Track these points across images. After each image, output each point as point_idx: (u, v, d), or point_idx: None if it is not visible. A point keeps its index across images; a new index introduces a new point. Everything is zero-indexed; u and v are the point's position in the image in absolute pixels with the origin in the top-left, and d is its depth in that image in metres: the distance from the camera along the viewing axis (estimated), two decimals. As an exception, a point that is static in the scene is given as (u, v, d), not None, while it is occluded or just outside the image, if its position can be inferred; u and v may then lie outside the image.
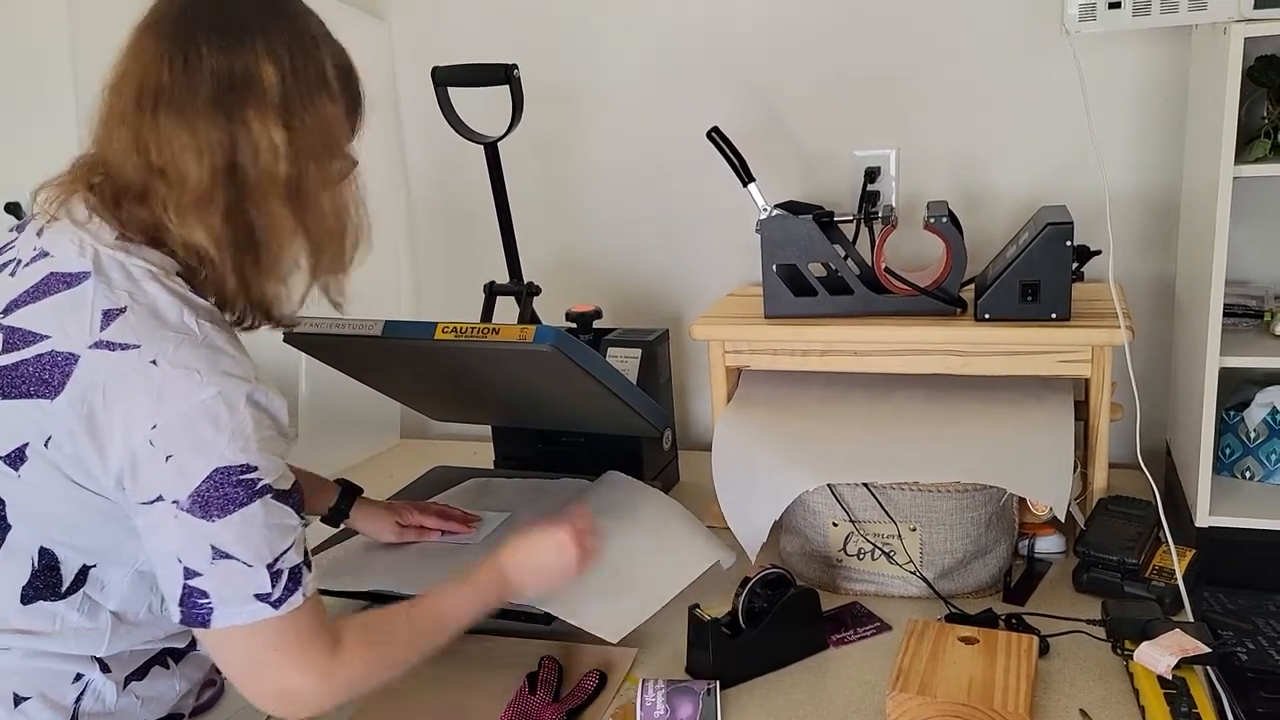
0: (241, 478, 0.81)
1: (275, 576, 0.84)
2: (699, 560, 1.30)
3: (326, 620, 0.90)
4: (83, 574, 0.88)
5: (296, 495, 0.86)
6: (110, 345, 0.81)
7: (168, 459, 0.80)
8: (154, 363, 0.81)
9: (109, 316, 0.82)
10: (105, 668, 0.90)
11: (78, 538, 0.87)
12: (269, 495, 0.83)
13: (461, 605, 1.02)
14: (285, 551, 0.85)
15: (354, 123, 0.95)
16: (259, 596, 0.83)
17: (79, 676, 0.89)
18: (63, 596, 0.88)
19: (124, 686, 0.91)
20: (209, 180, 0.83)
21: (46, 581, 0.87)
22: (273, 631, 0.85)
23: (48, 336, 0.82)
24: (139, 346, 0.81)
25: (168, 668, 0.95)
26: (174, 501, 0.81)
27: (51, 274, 0.85)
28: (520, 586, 1.07)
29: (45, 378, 0.82)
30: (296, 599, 0.85)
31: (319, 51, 0.89)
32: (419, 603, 1.00)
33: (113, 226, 0.86)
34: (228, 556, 0.82)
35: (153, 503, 0.81)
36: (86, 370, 0.81)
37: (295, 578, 0.85)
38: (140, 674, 0.93)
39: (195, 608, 0.83)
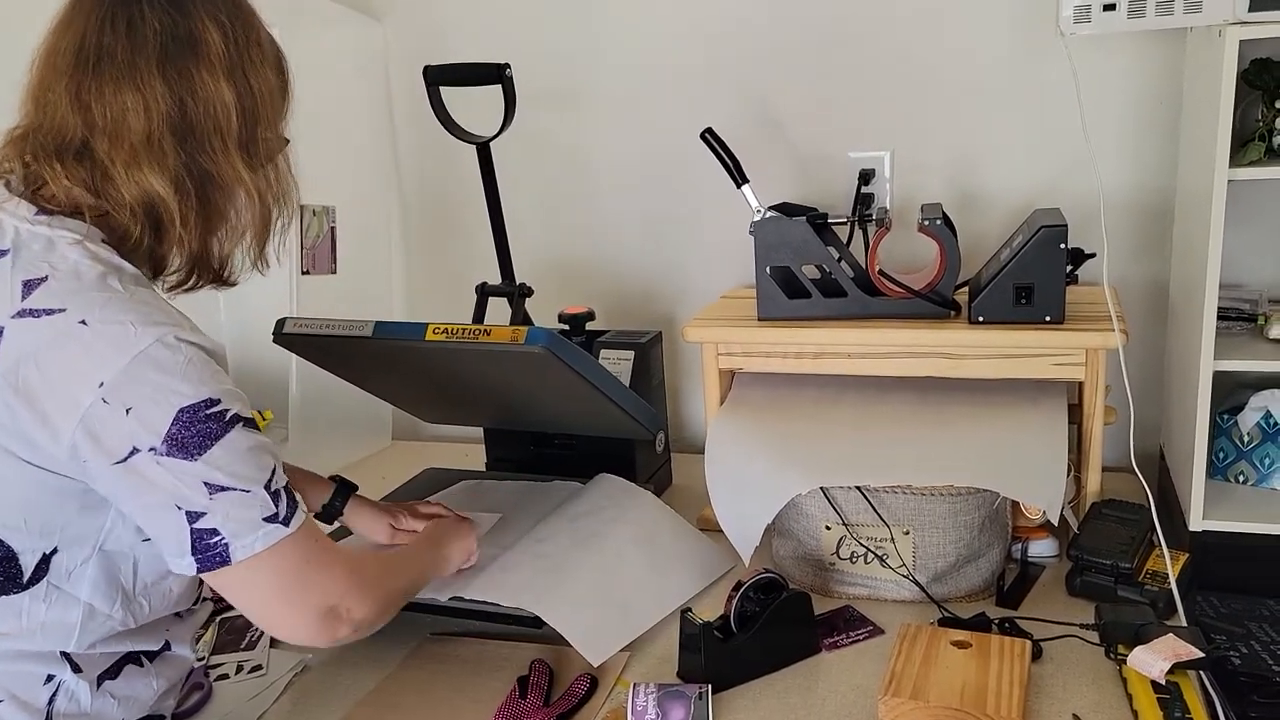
0: (209, 412, 0.82)
1: (275, 496, 0.85)
2: (689, 583, 1.30)
3: (324, 534, 0.93)
4: (44, 563, 0.86)
5: (255, 423, 0.88)
6: (34, 312, 0.81)
7: (128, 412, 0.80)
8: (83, 323, 0.80)
9: (30, 286, 0.82)
10: (76, 667, 0.89)
11: (32, 519, 0.85)
12: (240, 424, 0.84)
13: (423, 558, 1.14)
14: (274, 472, 0.86)
15: (286, 101, 0.97)
16: (268, 519, 0.84)
17: (50, 677, 0.88)
18: (25, 588, 0.86)
19: (98, 686, 0.90)
20: (159, 133, 0.85)
21: (6, 573, 0.86)
22: (296, 548, 0.87)
23: None
24: (64, 310, 0.81)
25: (142, 666, 0.94)
26: (150, 449, 0.80)
27: None
28: (445, 557, 1.19)
29: None
30: (300, 514, 0.88)
31: (257, 22, 0.91)
32: (396, 550, 1.15)
33: (34, 203, 0.86)
34: (223, 489, 0.82)
35: (128, 458, 0.81)
36: (13, 342, 0.80)
37: (291, 495, 0.87)
38: (113, 673, 0.91)
39: (210, 550, 0.83)
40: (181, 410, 0.81)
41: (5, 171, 0.89)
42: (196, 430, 0.81)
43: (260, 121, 0.90)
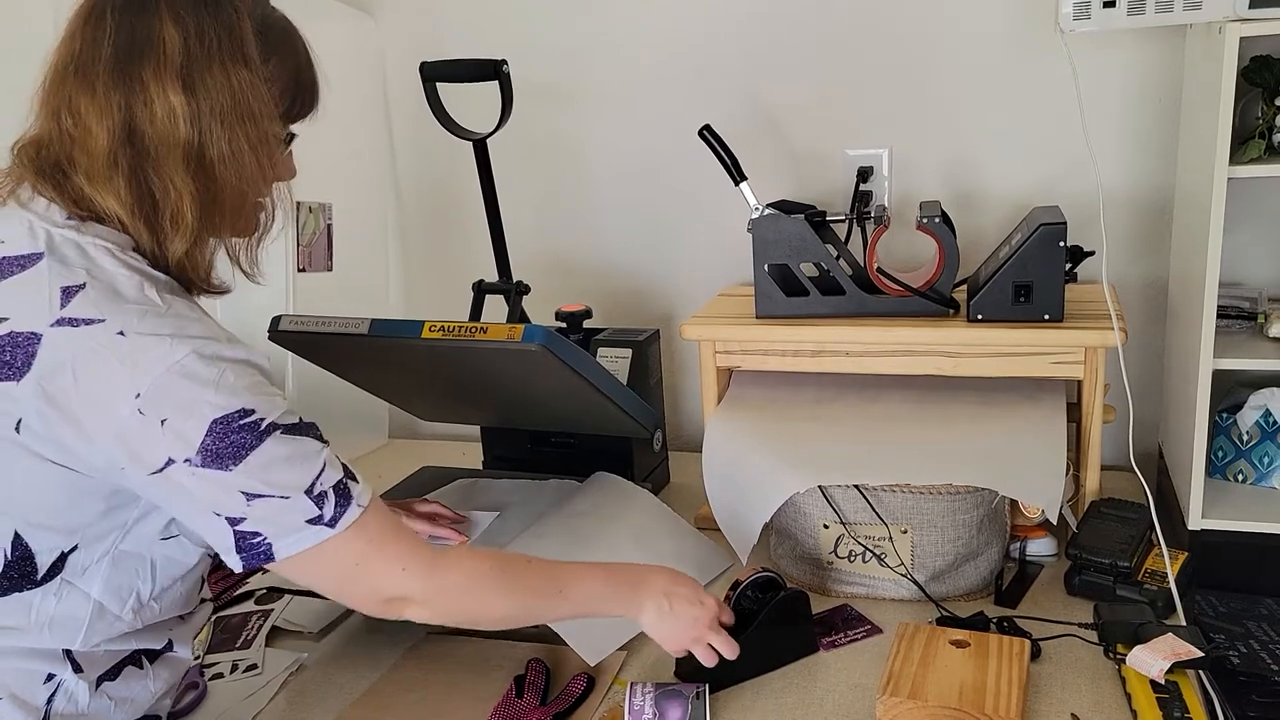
0: (242, 422, 0.81)
1: (319, 499, 0.85)
2: None
3: (408, 529, 0.93)
4: (61, 560, 0.86)
5: (307, 426, 0.86)
6: (73, 321, 0.81)
7: (163, 423, 0.80)
8: (121, 334, 0.80)
9: (68, 293, 0.81)
10: (77, 667, 0.88)
11: (55, 519, 0.85)
12: (278, 431, 0.83)
13: (586, 580, 1.01)
14: (319, 475, 0.85)
15: (291, 90, 0.93)
16: (311, 521, 0.84)
17: (50, 676, 0.88)
18: (39, 584, 0.86)
19: (96, 687, 0.90)
20: (110, 144, 0.83)
21: (22, 571, 0.86)
22: (345, 547, 0.86)
23: (5, 319, 0.82)
24: (103, 320, 0.81)
25: (141, 668, 0.94)
26: (186, 460, 0.81)
27: (3, 259, 0.84)
28: (646, 604, 1.03)
29: (7, 360, 0.81)
30: (353, 512, 0.86)
31: (235, 17, 0.87)
32: (543, 558, 1.01)
33: (63, 206, 0.86)
34: (261, 496, 0.82)
35: (164, 469, 0.81)
36: (51, 349, 0.80)
37: (342, 494, 0.86)
38: (113, 674, 0.91)
39: (253, 549, 0.84)
40: (215, 421, 0.81)
41: (17, 179, 0.88)
42: (230, 441, 0.81)
43: (223, 120, 0.85)
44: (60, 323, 0.81)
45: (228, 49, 0.86)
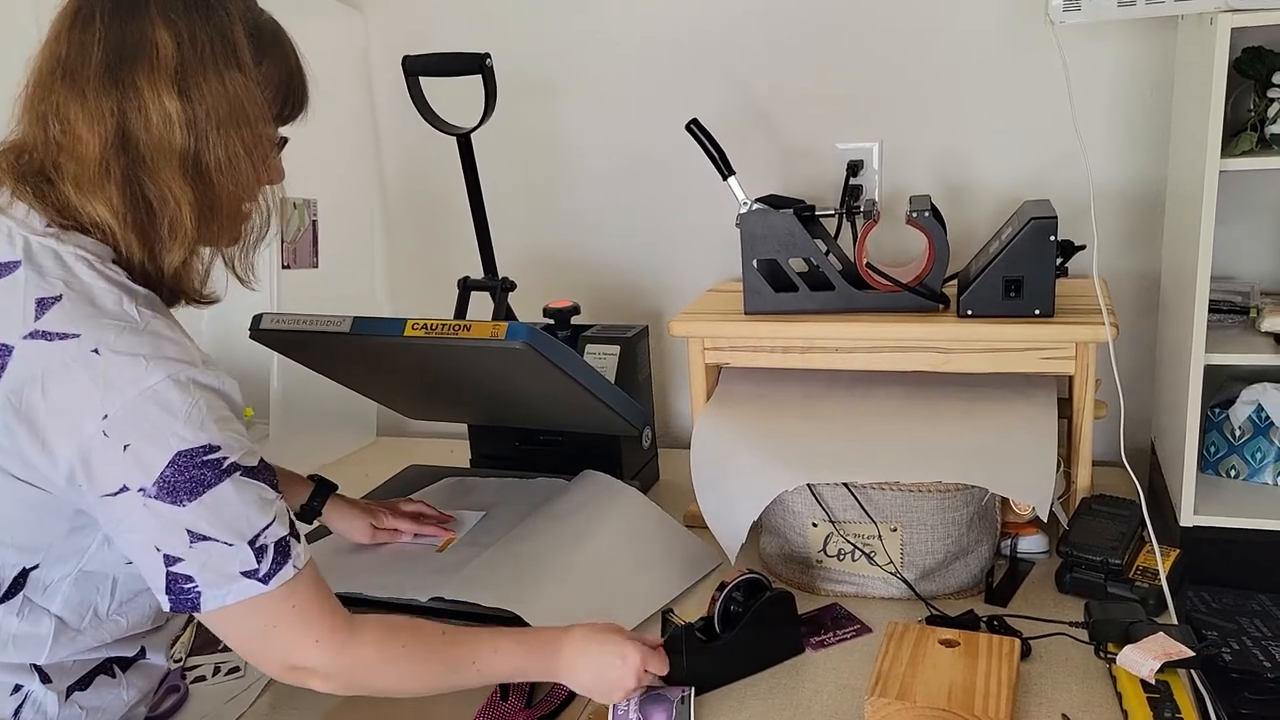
0: (206, 459, 0.80)
1: (259, 552, 0.82)
2: (674, 582, 1.29)
3: (329, 591, 0.89)
4: (22, 576, 0.85)
5: (267, 471, 0.85)
6: (47, 335, 0.79)
7: (125, 448, 0.78)
8: (95, 351, 0.79)
9: (43, 305, 0.80)
10: (46, 678, 0.87)
11: (19, 536, 0.84)
12: (238, 473, 0.82)
13: (499, 652, 0.97)
14: (266, 527, 0.83)
15: (283, 93, 0.91)
16: (246, 574, 0.82)
17: (18, 688, 0.86)
18: (0, 601, 0.85)
19: (66, 697, 0.88)
20: (102, 151, 0.81)
21: None
22: (269, 607, 0.84)
23: None
24: (78, 335, 0.79)
25: (114, 676, 0.92)
26: (140, 489, 0.79)
27: None
28: (568, 672, 1.00)
29: None
30: (287, 571, 0.84)
31: (227, 20, 0.85)
32: (456, 628, 0.97)
33: (42, 214, 0.84)
34: (205, 538, 0.80)
35: (117, 494, 0.79)
36: (22, 362, 0.79)
37: (282, 550, 0.84)
38: (84, 684, 0.90)
39: (182, 593, 0.82)
40: (179, 454, 0.79)
41: (11, 179, 0.86)
42: (190, 476, 0.79)
43: (219, 126, 0.84)
44: (33, 335, 0.79)
45: (221, 53, 0.84)
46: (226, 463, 0.81)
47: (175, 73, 0.81)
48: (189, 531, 0.80)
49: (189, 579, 0.81)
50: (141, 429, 0.78)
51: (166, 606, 0.83)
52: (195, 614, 0.84)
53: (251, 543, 0.82)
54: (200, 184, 0.84)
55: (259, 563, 0.83)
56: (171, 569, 0.81)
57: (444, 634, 0.96)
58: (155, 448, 0.78)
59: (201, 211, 0.85)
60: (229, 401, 0.84)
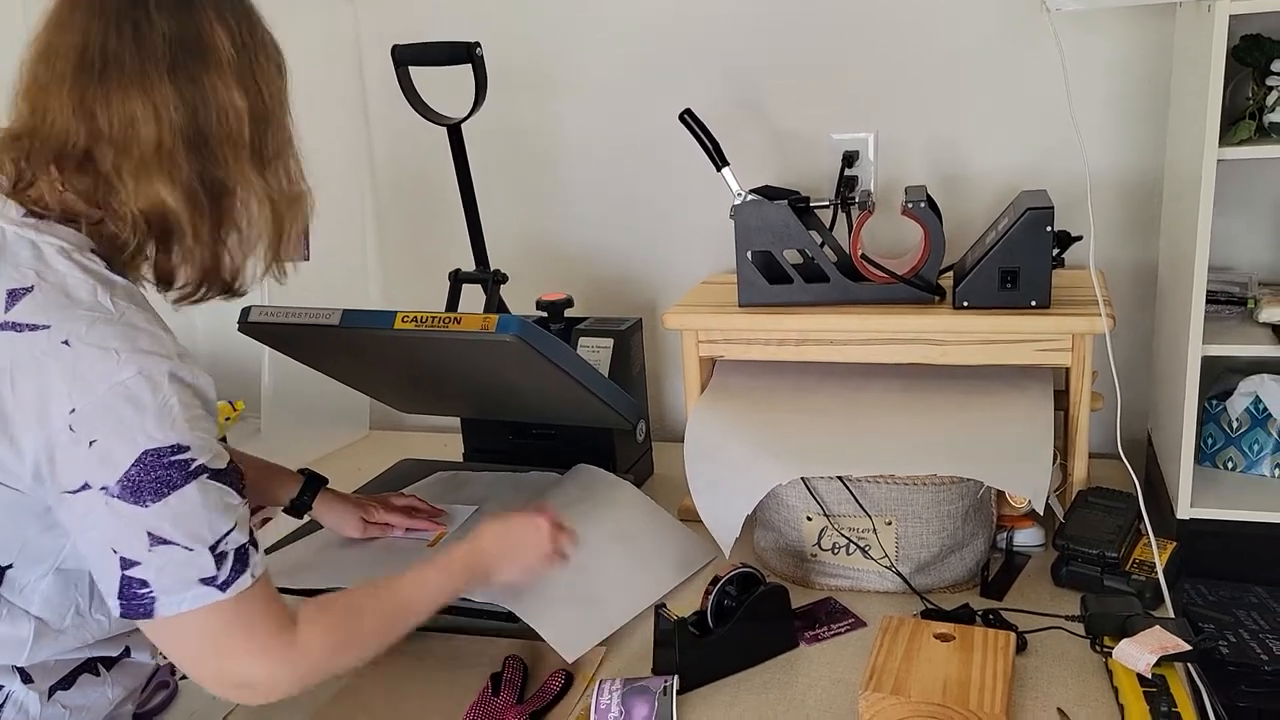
0: (173, 459, 0.78)
1: (220, 559, 0.80)
2: (668, 576, 1.28)
3: (280, 602, 0.87)
4: None
5: (234, 474, 0.83)
6: (16, 326, 0.78)
7: (91, 444, 0.76)
8: (66, 343, 0.77)
9: (14, 296, 0.78)
10: (27, 678, 0.86)
11: None
12: (204, 475, 0.80)
13: (429, 588, 0.99)
14: (228, 533, 0.81)
15: (288, 103, 0.93)
16: (204, 581, 0.80)
17: None
18: None
19: (49, 696, 0.87)
20: (170, 143, 0.81)
21: None
22: (223, 616, 0.82)
23: None
24: (48, 327, 0.78)
25: (98, 675, 0.91)
26: (103, 488, 0.77)
27: None
28: (493, 572, 1.05)
29: None
30: (244, 580, 0.82)
31: (260, 21, 0.88)
32: (383, 583, 0.97)
33: (21, 204, 0.82)
34: (165, 542, 0.78)
35: (78, 491, 0.77)
36: None
37: (241, 558, 0.82)
38: (66, 683, 0.88)
39: (135, 599, 0.79)
40: (146, 452, 0.77)
41: None
42: (155, 477, 0.78)
43: (271, 125, 0.87)
44: (3, 327, 0.78)
45: (262, 54, 0.87)
46: (194, 464, 0.79)
47: (238, 71, 0.84)
48: (149, 534, 0.78)
49: (144, 584, 0.79)
50: (109, 425, 0.76)
51: (116, 612, 0.80)
52: (146, 621, 0.81)
53: (213, 548, 0.80)
54: (267, 175, 0.87)
55: (218, 570, 0.80)
56: (127, 572, 0.79)
57: (374, 597, 0.95)
58: (122, 445, 0.77)
59: (270, 203, 0.88)
60: (203, 399, 0.82)
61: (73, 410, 0.76)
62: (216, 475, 0.81)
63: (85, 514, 0.78)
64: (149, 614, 0.80)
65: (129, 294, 0.83)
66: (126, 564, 0.78)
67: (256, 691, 0.86)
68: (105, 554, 0.79)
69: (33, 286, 0.79)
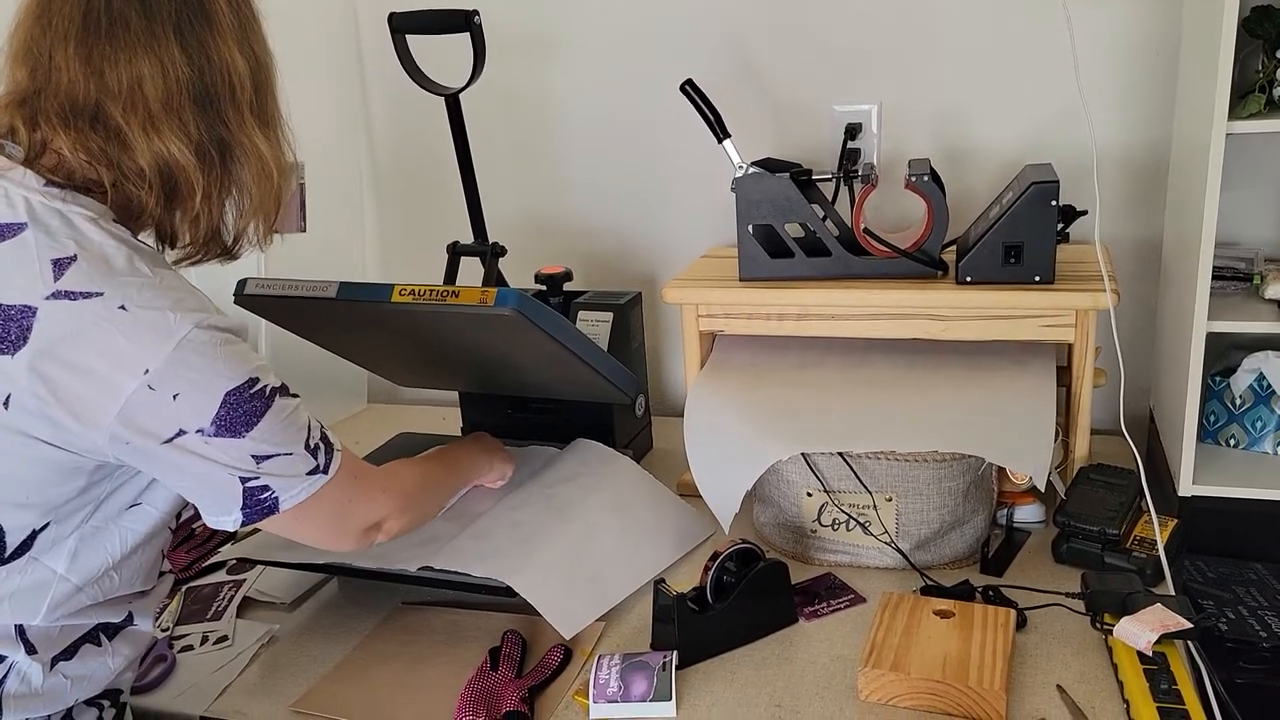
0: (251, 391, 0.84)
1: (314, 451, 0.90)
2: (667, 552, 1.28)
3: (359, 460, 1.00)
4: (31, 538, 0.85)
5: (287, 386, 0.91)
6: (70, 294, 0.79)
7: (174, 397, 0.81)
8: (123, 308, 0.80)
9: (60, 265, 0.80)
10: (31, 649, 0.86)
11: (33, 496, 0.84)
12: (278, 395, 0.87)
13: (462, 458, 1.26)
14: (309, 428, 0.90)
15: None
16: (310, 472, 0.90)
17: (1, 659, 0.85)
18: (5, 562, 0.84)
19: (51, 667, 0.87)
20: (178, 100, 0.84)
21: None
22: (337, 489, 0.93)
23: None
24: (102, 294, 0.80)
25: (100, 645, 0.92)
26: (199, 431, 0.83)
27: None
28: (491, 465, 1.29)
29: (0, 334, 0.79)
30: (337, 457, 0.93)
31: None
32: (421, 456, 1.20)
33: (38, 174, 0.83)
34: (269, 457, 0.87)
35: (175, 438, 0.82)
36: (49, 322, 0.79)
37: (327, 441, 0.92)
38: (69, 654, 0.89)
39: (259, 504, 0.88)
40: (228, 393, 0.83)
41: (2, 136, 0.86)
42: (243, 410, 0.84)
43: (268, 90, 0.91)
44: (57, 295, 0.79)
45: (255, 24, 0.91)
46: (268, 389, 0.86)
47: (237, 36, 0.88)
48: (253, 456, 0.86)
49: (264, 489, 0.87)
50: (187, 377, 0.81)
51: (236, 525, 0.87)
52: (272, 517, 0.89)
53: (306, 445, 0.89)
54: (269, 137, 0.91)
55: (316, 459, 0.90)
56: (247, 485, 0.86)
57: (422, 460, 1.18)
58: (204, 393, 0.82)
59: (274, 163, 0.91)
60: (243, 337, 0.88)
61: (147, 370, 0.80)
62: (283, 391, 0.88)
63: (189, 455, 0.83)
64: (274, 510, 0.89)
65: (155, 260, 0.86)
66: (246, 479, 0.86)
67: (385, 527, 1.01)
68: (221, 479, 0.85)
69: (75, 255, 0.81)
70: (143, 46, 0.83)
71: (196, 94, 0.85)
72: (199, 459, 0.84)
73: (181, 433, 0.82)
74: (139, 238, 0.88)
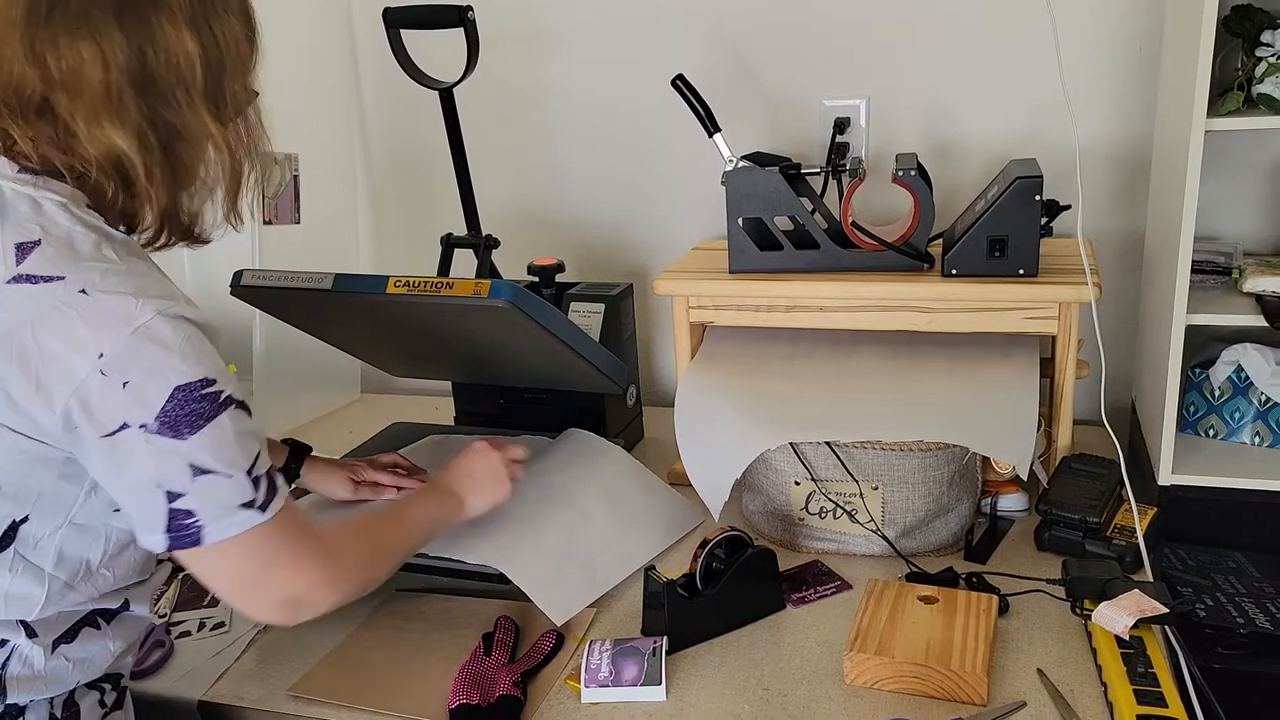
0: (203, 392, 0.80)
1: (256, 482, 0.84)
2: (657, 539, 1.30)
3: (308, 520, 0.91)
4: (13, 529, 0.85)
5: (249, 405, 0.86)
6: (31, 278, 0.79)
7: (124, 385, 0.78)
8: (83, 292, 0.78)
9: (23, 250, 0.79)
10: (31, 632, 0.87)
11: (8, 484, 0.83)
12: (233, 405, 0.82)
13: (429, 509, 1.09)
14: (258, 456, 0.84)
15: (254, 52, 0.92)
16: (245, 505, 0.83)
17: (4, 642, 0.86)
18: None
19: (52, 650, 0.88)
20: (119, 86, 0.81)
21: None
22: (267, 537, 0.85)
23: None
24: (63, 278, 0.79)
25: (99, 628, 0.92)
26: (141, 425, 0.79)
27: None
28: (469, 500, 1.14)
29: None
30: (279, 500, 0.86)
31: None
32: (387, 508, 1.09)
33: (14, 161, 0.83)
34: (206, 472, 0.81)
35: (117, 432, 0.79)
36: (8, 308, 0.78)
37: (272, 480, 0.86)
38: (69, 636, 0.90)
39: (183, 530, 0.82)
40: (178, 388, 0.79)
41: None
42: (190, 410, 0.80)
43: (227, 72, 0.86)
44: (18, 279, 0.79)
45: (220, 1, 0.86)
46: (223, 395, 0.81)
47: (189, 16, 0.83)
48: (191, 465, 0.80)
49: (189, 514, 0.81)
50: (139, 366, 0.78)
51: (162, 547, 0.83)
52: (192, 551, 0.83)
53: (249, 473, 0.83)
54: (221, 122, 0.87)
55: (256, 492, 0.84)
56: (173, 505, 0.81)
57: (384, 518, 1.05)
58: (154, 383, 0.79)
59: (226, 148, 0.88)
60: (212, 337, 0.84)
61: (100, 355, 0.77)
62: (241, 405, 0.83)
63: (126, 453, 0.80)
64: (197, 541, 0.82)
65: (128, 246, 0.85)
66: (172, 497, 0.81)
67: (303, 606, 0.89)
68: (149, 490, 0.81)
69: (39, 240, 0.80)
70: (83, 31, 0.80)
71: (137, 78, 0.81)
72: (134, 462, 0.80)
73: (124, 426, 0.79)
74: (113, 225, 0.87)
